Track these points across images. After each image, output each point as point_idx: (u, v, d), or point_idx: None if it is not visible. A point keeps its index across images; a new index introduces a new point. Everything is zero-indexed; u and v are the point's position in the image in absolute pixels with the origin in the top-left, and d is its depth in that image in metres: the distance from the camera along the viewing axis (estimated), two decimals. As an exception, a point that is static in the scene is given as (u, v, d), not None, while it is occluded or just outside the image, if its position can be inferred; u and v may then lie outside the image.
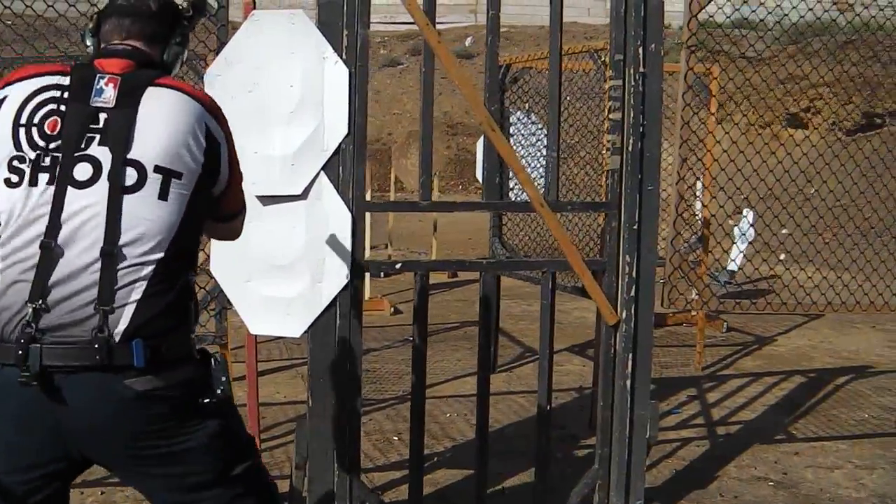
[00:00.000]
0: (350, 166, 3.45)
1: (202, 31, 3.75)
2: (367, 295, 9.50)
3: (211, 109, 2.40)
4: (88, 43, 2.54)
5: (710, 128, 6.10)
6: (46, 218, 2.22)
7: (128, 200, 2.24)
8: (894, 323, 9.29)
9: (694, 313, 7.31)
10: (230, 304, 3.72)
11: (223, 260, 3.43)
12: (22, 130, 2.29)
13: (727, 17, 5.30)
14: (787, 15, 5.58)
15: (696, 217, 7.31)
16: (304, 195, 3.41)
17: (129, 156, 2.26)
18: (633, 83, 3.64)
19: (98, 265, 2.21)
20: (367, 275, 8.65)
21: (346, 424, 3.58)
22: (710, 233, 6.60)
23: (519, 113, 6.67)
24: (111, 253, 2.21)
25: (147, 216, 2.26)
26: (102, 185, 2.24)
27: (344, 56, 3.42)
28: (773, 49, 14.51)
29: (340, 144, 3.43)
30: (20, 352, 2.17)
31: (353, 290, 3.51)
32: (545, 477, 3.88)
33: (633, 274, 3.69)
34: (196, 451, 2.33)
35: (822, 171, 5.58)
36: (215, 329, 4.34)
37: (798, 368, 7.39)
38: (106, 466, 2.48)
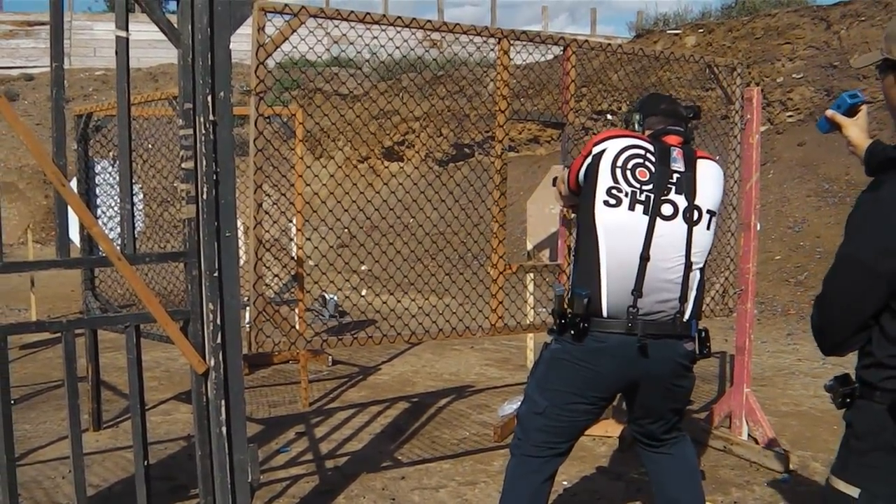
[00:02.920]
0: None
1: None
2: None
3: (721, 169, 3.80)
4: (636, 127, 3.83)
5: (299, 170, 6.17)
6: (642, 237, 3.46)
7: (694, 231, 3.55)
8: (491, 343, 9.92)
9: (299, 351, 7.37)
10: None
11: None
12: (618, 171, 3.51)
13: (318, 57, 5.43)
14: (375, 53, 5.79)
15: (293, 257, 7.38)
16: None
17: (695, 202, 3.55)
18: (203, 131, 3.63)
19: (680, 273, 3.51)
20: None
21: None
22: (304, 271, 6.68)
23: (105, 162, 6.43)
24: (688, 265, 3.52)
25: (702, 241, 3.58)
26: (679, 219, 3.52)
27: None
28: (364, 86, 15.08)
29: None
30: (629, 325, 3.44)
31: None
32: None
33: (218, 321, 3.67)
34: (687, 389, 3.74)
35: (418, 200, 5.82)
36: None
37: (401, 395, 7.67)
38: (642, 395, 3.70)
